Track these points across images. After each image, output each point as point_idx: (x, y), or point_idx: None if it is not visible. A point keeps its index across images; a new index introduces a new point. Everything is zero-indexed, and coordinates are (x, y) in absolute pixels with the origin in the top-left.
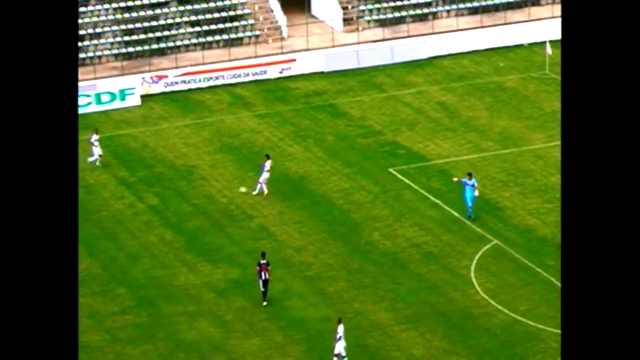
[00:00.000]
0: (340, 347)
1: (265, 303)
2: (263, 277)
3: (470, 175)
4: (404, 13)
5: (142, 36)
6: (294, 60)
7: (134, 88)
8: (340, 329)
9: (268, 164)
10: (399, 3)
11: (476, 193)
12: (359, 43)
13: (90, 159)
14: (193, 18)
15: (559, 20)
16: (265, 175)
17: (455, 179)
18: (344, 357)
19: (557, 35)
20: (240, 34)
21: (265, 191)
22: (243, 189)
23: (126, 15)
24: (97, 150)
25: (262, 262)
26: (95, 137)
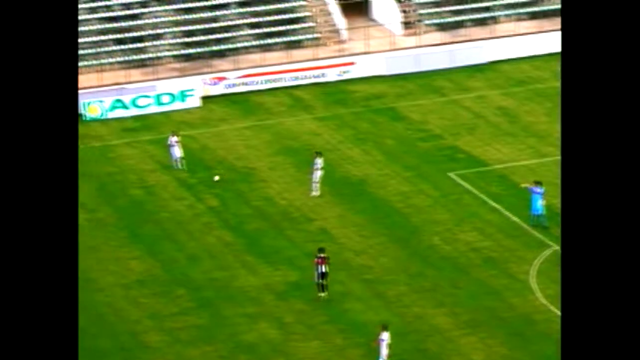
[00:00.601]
0: (384, 353)
1: (323, 294)
2: (321, 270)
3: (538, 183)
4: (463, 17)
5: (203, 38)
6: (353, 63)
7: (194, 89)
8: (386, 335)
9: (319, 162)
10: (458, 7)
11: (543, 202)
12: (418, 47)
13: (176, 161)
14: (253, 20)
15: None
16: (317, 174)
17: (523, 185)
18: None
19: None
20: (300, 37)
21: (317, 192)
22: (217, 178)
23: (186, 16)
24: (178, 152)
25: (320, 255)
26: (174, 138)
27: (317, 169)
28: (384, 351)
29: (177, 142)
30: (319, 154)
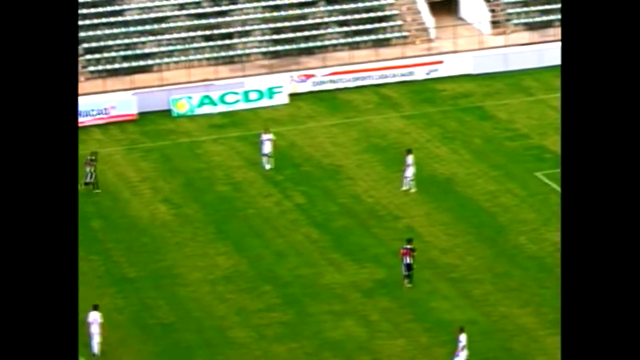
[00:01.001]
0: (463, 357)
1: (409, 285)
2: (406, 261)
3: None
4: (552, 17)
5: (291, 35)
6: (441, 62)
7: (281, 86)
8: (463, 337)
9: (409, 159)
10: (547, 7)
11: None
12: (506, 46)
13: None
14: (341, 18)
15: None
16: (410, 170)
17: None
18: None
19: None
20: (388, 35)
21: (413, 189)
22: (268, 166)
23: (275, 14)
24: (267, 148)
25: (407, 247)
26: (267, 136)
27: (408, 166)
28: (463, 353)
29: (269, 139)
30: (409, 151)
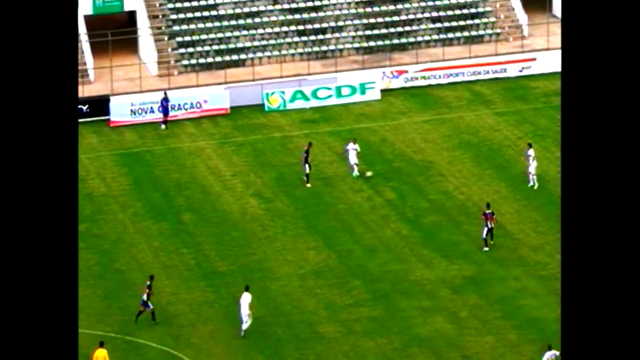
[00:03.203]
0: None
1: (486, 248)
2: (488, 226)
3: None
4: None
5: (384, 31)
6: (534, 59)
7: (374, 82)
8: (549, 354)
9: (530, 152)
10: None
11: None
12: None
13: (351, 168)
14: (434, 14)
15: None
16: (533, 165)
17: None
18: None
19: None
20: (481, 32)
21: (536, 184)
22: (369, 173)
23: (368, 9)
24: (353, 158)
25: (487, 212)
26: (354, 146)
27: (529, 158)
28: None
29: (354, 149)
30: (529, 145)
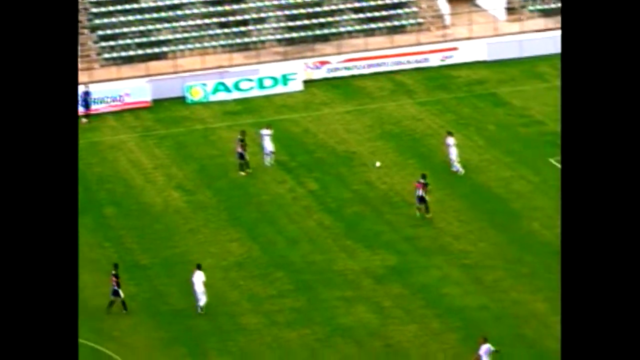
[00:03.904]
0: None
1: (427, 214)
2: (419, 194)
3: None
4: None
5: (306, 22)
6: (456, 48)
7: (296, 73)
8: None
9: (450, 141)
10: None
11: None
12: (521, 33)
13: (267, 155)
14: (356, 5)
15: None
16: (454, 152)
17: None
18: None
19: None
20: (403, 22)
21: (461, 170)
22: (378, 164)
23: (290, 0)
24: (269, 146)
25: (420, 180)
26: (266, 131)
27: (449, 147)
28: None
29: (269, 135)
30: (449, 133)
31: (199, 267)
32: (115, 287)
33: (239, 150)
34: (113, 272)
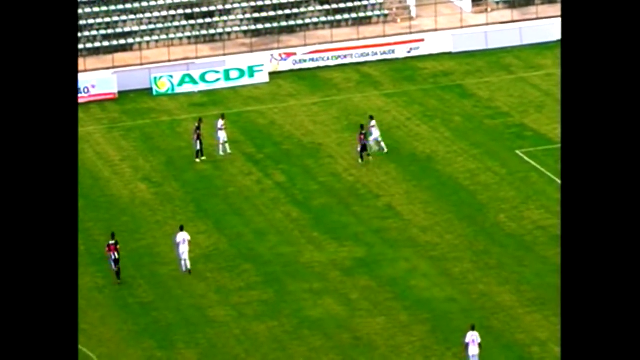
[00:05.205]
0: (474, 351)
1: (360, 161)
2: (361, 142)
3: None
4: None
5: (272, 13)
6: (422, 40)
7: (262, 65)
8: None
9: (372, 123)
10: None
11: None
12: (487, 24)
13: (221, 145)
14: None
15: None
16: (376, 134)
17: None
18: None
19: None
20: (369, 13)
21: (381, 150)
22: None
23: None
24: (223, 136)
25: (362, 132)
26: (221, 122)
27: (372, 129)
28: (474, 350)
29: (223, 125)
30: (371, 117)
31: (181, 229)
32: (116, 256)
33: (195, 138)
34: (112, 241)
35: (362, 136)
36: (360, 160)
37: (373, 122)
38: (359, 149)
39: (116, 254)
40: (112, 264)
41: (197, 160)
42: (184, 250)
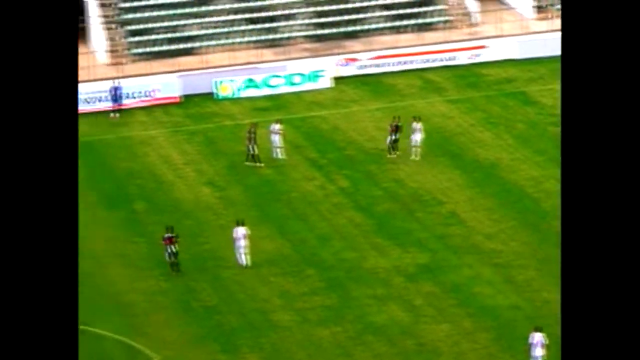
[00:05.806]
0: (540, 352)
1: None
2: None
3: None
4: None
5: (335, 18)
6: (485, 46)
7: (325, 70)
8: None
9: (417, 125)
10: None
11: None
12: (550, 31)
13: (276, 149)
14: (386, 1)
15: None
16: (419, 136)
17: None
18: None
19: None
20: (432, 19)
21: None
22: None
23: None
24: (278, 141)
25: (392, 123)
26: (277, 126)
27: (415, 131)
28: (540, 352)
29: (279, 130)
30: (417, 118)
31: (240, 223)
32: (174, 250)
33: (247, 142)
34: (169, 234)
35: (393, 128)
36: (390, 154)
37: (419, 125)
38: (387, 140)
39: (173, 247)
40: (167, 256)
41: (258, 164)
42: (243, 245)
